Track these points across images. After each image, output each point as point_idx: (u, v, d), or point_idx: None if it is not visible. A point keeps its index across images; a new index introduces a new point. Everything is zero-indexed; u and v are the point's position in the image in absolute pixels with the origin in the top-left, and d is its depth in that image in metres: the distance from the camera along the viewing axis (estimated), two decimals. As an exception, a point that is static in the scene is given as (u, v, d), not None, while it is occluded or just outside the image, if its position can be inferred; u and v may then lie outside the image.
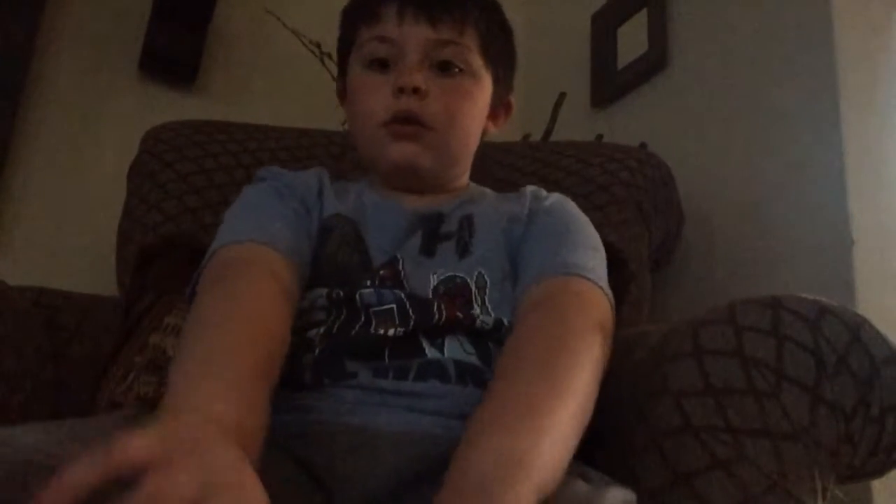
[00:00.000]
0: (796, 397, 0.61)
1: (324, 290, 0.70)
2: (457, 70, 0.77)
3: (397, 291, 0.68)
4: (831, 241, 1.05)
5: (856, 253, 1.02)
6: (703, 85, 1.35)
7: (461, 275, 0.72)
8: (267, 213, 0.73)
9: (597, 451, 0.71)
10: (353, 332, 0.66)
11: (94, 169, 1.46)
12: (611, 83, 1.57)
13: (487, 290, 0.72)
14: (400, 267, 0.72)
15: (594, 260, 0.73)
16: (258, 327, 0.58)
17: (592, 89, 1.62)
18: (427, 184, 0.80)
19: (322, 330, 0.67)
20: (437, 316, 0.67)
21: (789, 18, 1.20)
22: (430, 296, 0.70)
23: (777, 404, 0.61)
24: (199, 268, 0.69)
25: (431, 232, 0.76)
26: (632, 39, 1.53)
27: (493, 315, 0.70)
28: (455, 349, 0.66)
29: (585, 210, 0.81)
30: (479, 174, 0.88)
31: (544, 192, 0.83)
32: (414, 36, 0.76)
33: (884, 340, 0.63)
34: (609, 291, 0.70)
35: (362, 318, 0.67)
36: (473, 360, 0.66)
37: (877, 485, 0.92)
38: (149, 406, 0.80)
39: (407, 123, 0.75)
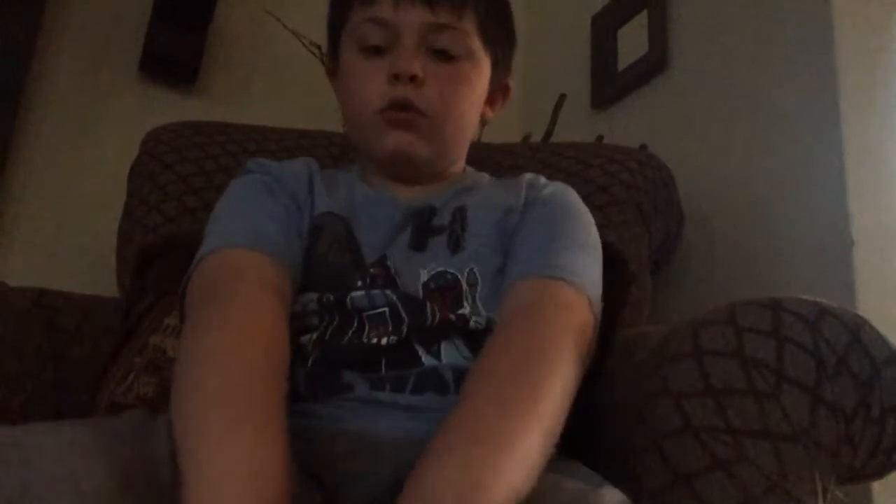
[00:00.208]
0: (796, 398, 0.61)
1: (314, 295, 0.68)
2: (454, 55, 0.75)
3: (388, 292, 0.67)
4: (831, 241, 1.05)
5: (856, 253, 1.02)
6: (703, 86, 1.35)
7: (452, 271, 0.70)
8: (257, 213, 0.72)
9: (597, 451, 0.71)
10: (347, 339, 0.65)
11: (94, 169, 1.46)
12: (611, 84, 1.57)
13: (479, 288, 0.70)
14: (389, 263, 0.71)
15: (585, 259, 0.71)
16: (264, 361, 0.56)
17: (593, 90, 1.62)
18: (422, 172, 0.78)
19: (315, 336, 0.66)
20: (430, 318, 0.66)
21: (789, 18, 1.20)
22: (421, 292, 0.69)
23: (777, 405, 0.61)
24: (189, 271, 0.67)
25: (423, 226, 0.74)
26: (632, 41, 1.53)
27: (484, 314, 0.68)
28: (452, 354, 0.65)
29: (585, 211, 0.79)
30: (479, 175, 0.88)
31: (543, 180, 0.80)
32: (410, 19, 0.73)
33: (884, 341, 0.63)
34: (594, 295, 0.68)
35: (355, 323, 0.66)
36: (470, 364, 0.64)
37: (877, 486, 0.92)
38: (148, 406, 0.80)
39: (402, 110, 0.73)
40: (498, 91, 0.84)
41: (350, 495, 0.57)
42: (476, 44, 0.76)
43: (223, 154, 1.13)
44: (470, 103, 0.77)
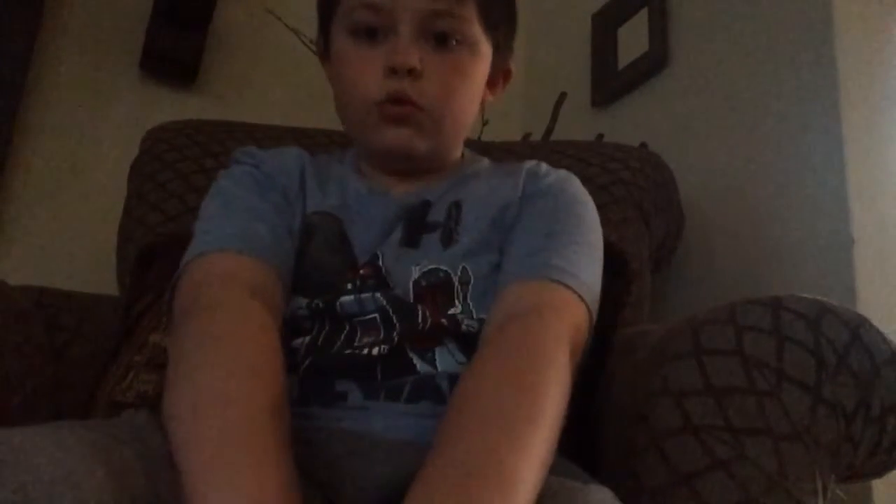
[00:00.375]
0: (797, 397, 0.61)
1: (304, 301, 0.67)
2: (454, 42, 0.71)
3: (378, 296, 0.66)
4: (832, 240, 1.05)
5: (856, 253, 1.02)
6: (703, 84, 1.35)
7: (444, 268, 0.68)
8: (246, 212, 0.69)
9: (597, 450, 0.71)
10: (339, 346, 0.64)
11: (95, 168, 1.46)
12: (611, 83, 1.57)
13: (471, 287, 0.68)
14: (380, 263, 0.69)
15: (582, 258, 0.68)
16: (260, 387, 0.53)
17: (593, 89, 1.62)
18: (420, 166, 0.75)
19: (307, 340, 0.65)
20: (421, 323, 0.64)
21: (789, 18, 1.20)
22: (412, 290, 0.67)
23: (777, 404, 0.61)
24: (176, 274, 0.66)
25: (416, 222, 0.72)
26: (632, 39, 1.53)
27: (475, 315, 0.67)
28: (446, 360, 0.64)
29: (586, 210, 0.78)
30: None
31: (544, 168, 0.77)
32: (407, 5, 0.69)
33: (884, 340, 0.63)
34: (591, 294, 0.66)
35: (346, 328, 0.65)
36: (465, 369, 0.63)
37: (877, 485, 0.92)
38: (148, 404, 0.80)
39: (399, 105, 0.70)
40: (499, 75, 0.80)
41: (348, 496, 0.57)
42: (477, 30, 0.72)
43: (223, 152, 1.13)
44: (470, 95, 0.74)
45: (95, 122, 1.50)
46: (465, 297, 0.68)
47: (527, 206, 0.73)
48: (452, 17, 0.70)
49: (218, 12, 1.56)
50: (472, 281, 0.68)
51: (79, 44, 1.52)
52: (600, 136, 1.44)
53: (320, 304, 0.66)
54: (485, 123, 1.41)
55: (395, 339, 0.63)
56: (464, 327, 0.65)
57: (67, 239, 1.41)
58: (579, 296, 0.65)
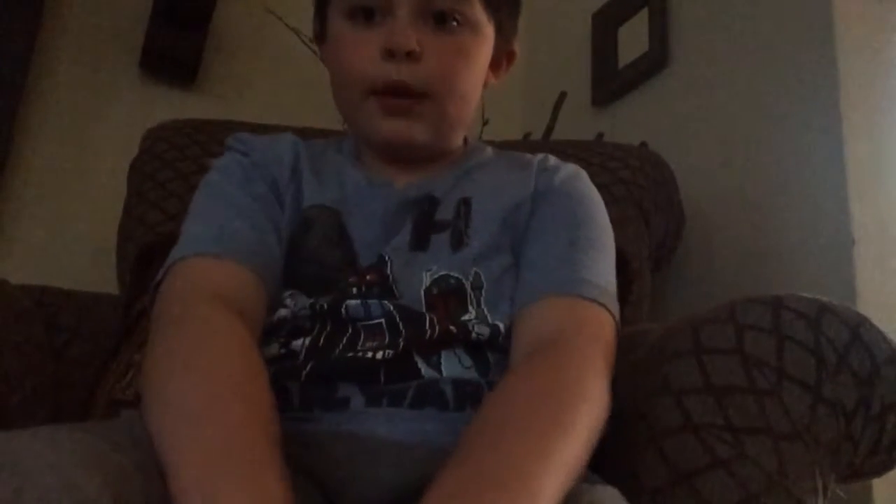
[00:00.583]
0: (797, 396, 0.61)
1: (307, 301, 0.65)
2: (454, 23, 0.68)
3: (385, 303, 0.64)
4: (832, 240, 1.05)
5: (856, 252, 1.02)
6: (703, 84, 1.35)
7: (456, 274, 0.67)
8: (229, 208, 0.67)
9: (597, 449, 0.71)
10: (341, 349, 0.62)
11: (95, 167, 1.46)
12: (611, 82, 1.57)
13: (483, 291, 0.67)
14: (388, 271, 0.66)
15: (602, 264, 0.68)
16: (235, 403, 0.51)
17: (593, 88, 1.62)
18: (421, 155, 0.73)
19: (307, 341, 0.63)
20: (429, 332, 0.62)
21: (789, 18, 1.20)
22: (423, 298, 0.65)
23: (778, 403, 0.61)
24: (156, 277, 0.65)
25: (424, 220, 0.70)
26: (632, 39, 1.53)
27: (489, 320, 0.65)
28: (452, 365, 0.62)
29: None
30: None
31: (552, 161, 0.76)
32: None
33: (884, 339, 0.63)
34: (614, 305, 0.66)
35: (349, 331, 0.63)
36: (472, 373, 0.63)
37: (877, 484, 0.92)
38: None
39: (398, 96, 0.67)
40: (503, 56, 0.77)
41: (350, 498, 0.56)
42: (478, 10, 0.69)
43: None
44: (472, 79, 0.71)
45: (96, 122, 1.50)
46: (478, 303, 0.66)
47: (541, 206, 0.71)
48: None
49: (218, 12, 1.56)
50: (484, 286, 0.67)
51: (79, 44, 1.52)
52: (600, 135, 1.44)
53: (325, 306, 0.64)
54: (485, 123, 1.41)
55: (401, 344, 0.61)
56: (473, 336, 0.64)
57: (67, 238, 1.41)
58: (608, 309, 0.64)
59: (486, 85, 0.76)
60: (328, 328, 0.64)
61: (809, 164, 1.11)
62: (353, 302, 0.64)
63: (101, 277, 1.17)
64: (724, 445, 0.61)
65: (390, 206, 0.70)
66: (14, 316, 0.88)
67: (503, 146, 1.17)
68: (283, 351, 0.64)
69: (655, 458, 0.63)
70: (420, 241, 0.69)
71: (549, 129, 1.48)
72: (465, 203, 0.71)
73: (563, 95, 1.49)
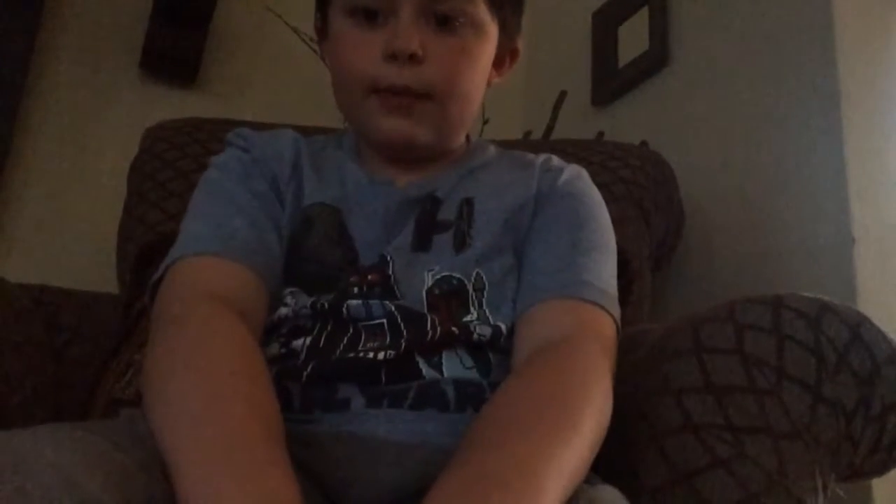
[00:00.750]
0: (797, 395, 0.61)
1: (308, 299, 0.65)
2: (457, 23, 0.67)
3: (387, 303, 0.63)
4: (832, 239, 1.05)
5: (857, 252, 1.02)
6: (703, 83, 1.35)
7: (458, 276, 0.66)
8: (227, 206, 0.67)
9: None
10: (342, 349, 0.62)
11: (95, 167, 1.46)
12: (612, 81, 1.57)
13: (486, 293, 0.67)
14: (390, 271, 0.66)
15: (605, 265, 0.68)
16: (233, 403, 0.51)
17: (593, 87, 1.62)
18: (423, 155, 0.73)
19: (308, 341, 0.63)
20: (430, 333, 0.62)
21: (789, 18, 1.20)
22: (424, 299, 0.65)
23: (778, 402, 0.61)
24: (154, 278, 0.64)
25: (427, 220, 0.69)
26: (633, 37, 1.53)
27: (490, 321, 0.65)
28: (454, 366, 0.62)
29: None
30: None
31: (555, 162, 0.76)
32: None
33: (884, 339, 0.63)
34: (616, 308, 0.66)
35: (350, 331, 0.63)
36: (473, 374, 0.62)
37: (877, 483, 0.92)
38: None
39: (400, 95, 0.67)
40: (506, 54, 0.76)
41: (351, 498, 0.56)
42: (482, 10, 0.69)
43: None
44: (475, 80, 0.71)
45: (96, 122, 1.50)
46: (480, 304, 0.66)
47: (544, 207, 0.72)
48: None
49: (218, 11, 1.56)
50: (486, 287, 0.67)
51: (79, 43, 1.53)
52: (600, 134, 1.44)
53: (325, 305, 0.64)
54: (485, 122, 1.41)
55: (403, 345, 0.61)
56: (475, 337, 0.63)
57: (67, 238, 1.41)
58: (609, 312, 0.65)
59: (489, 84, 0.75)
60: (329, 328, 0.64)
61: (809, 164, 1.11)
62: (354, 302, 0.64)
63: (101, 277, 1.17)
64: (724, 445, 0.61)
65: (391, 205, 0.70)
66: (14, 315, 0.88)
67: (504, 145, 1.18)
68: (283, 350, 0.63)
69: (655, 457, 0.63)
70: (422, 242, 0.68)
71: (550, 128, 1.48)
72: (468, 203, 0.71)
73: (563, 94, 1.49)
